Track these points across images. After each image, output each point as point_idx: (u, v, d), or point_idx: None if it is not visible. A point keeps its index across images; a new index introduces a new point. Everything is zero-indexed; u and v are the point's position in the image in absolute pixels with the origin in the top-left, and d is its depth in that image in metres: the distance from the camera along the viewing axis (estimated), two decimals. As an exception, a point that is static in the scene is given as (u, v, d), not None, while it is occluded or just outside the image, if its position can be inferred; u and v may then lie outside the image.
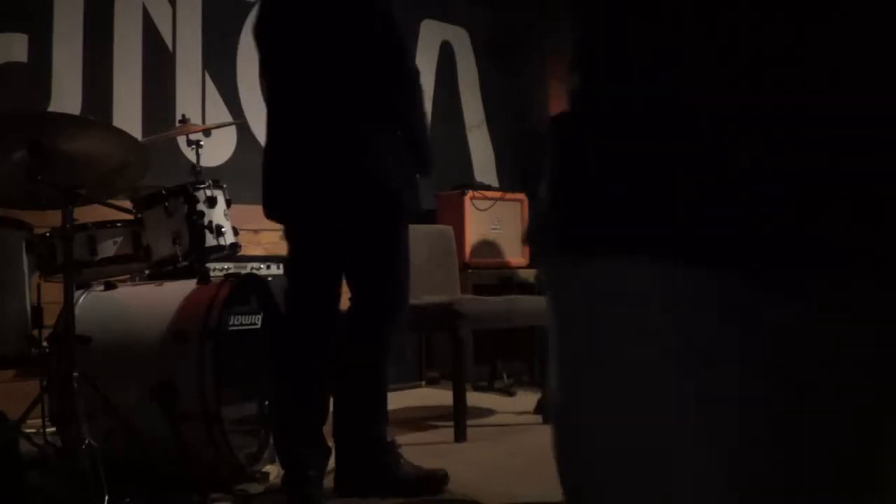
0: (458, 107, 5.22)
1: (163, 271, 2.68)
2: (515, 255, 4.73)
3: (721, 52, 0.41)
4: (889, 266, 0.39)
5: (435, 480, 2.26)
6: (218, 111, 4.10)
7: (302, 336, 2.23)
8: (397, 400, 3.22)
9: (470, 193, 4.52)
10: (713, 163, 0.40)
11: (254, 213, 3.96)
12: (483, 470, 2.46)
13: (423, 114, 2.38)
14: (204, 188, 2.69)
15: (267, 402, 2.54)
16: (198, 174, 2.91)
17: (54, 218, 2.18)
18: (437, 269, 3.69)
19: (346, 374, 2.27)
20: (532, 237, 0.51)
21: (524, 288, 4.32)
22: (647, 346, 0.42)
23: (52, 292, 2.34)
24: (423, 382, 4.26)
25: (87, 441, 1.94)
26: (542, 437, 2.28)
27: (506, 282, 4.46)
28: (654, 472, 0.42)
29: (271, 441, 2.49)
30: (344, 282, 2.30)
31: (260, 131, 4.25)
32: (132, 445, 2.15)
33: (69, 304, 2.10)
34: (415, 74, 2.30)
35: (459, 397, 2.92)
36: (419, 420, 3.24)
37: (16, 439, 2.11)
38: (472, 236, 4.48)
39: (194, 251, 2.61)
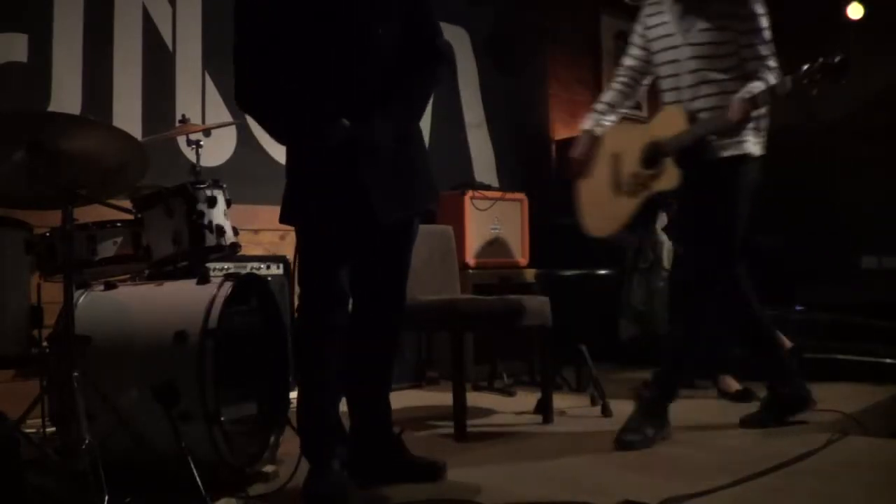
0: (458, 107, 5.21)
1: (163, 271, 2.67)
2: (516, 254, 4.73)
3: None
4: None
5: (436, 468, 2.38)
6: (218, 111, 4.10)
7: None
8: (397, 400, 3.21)
9: (470, 193, 4.52)
10: None
11: (254, 213, 3.98)
12: (483, 470, 2.45)
13: None
14: (204, 188, 2.69)
15: (268, 403, 2.54)
16: (198, 174, 2.91)
17: (54, 218, 2.18)
18: (437, 269, 3.69)
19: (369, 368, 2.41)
20: None
21: (524, 288, 4.32)
22: None
23: (52, 292, 2.34)
24: (423, 382, 4.26)
25: (87, 441, 1.94)
26: (542, 436, 2.30)
27: (506, 282, 4.46)
28: None
29: (271, 441, 2.50)
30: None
31: (260, 131, 4.26)
32: (132, 445, 2.15)
33: (69, 304, 2.10)
34: None
35: (459, 397, 2.92)
36: (419, 420, 3.24)
37: (16, 439, 2.11)
38: (472, 236, 4.48)
39: (194, 251, 2.60)
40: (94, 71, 3.71)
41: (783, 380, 2.99)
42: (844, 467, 2.36)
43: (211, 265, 3.37)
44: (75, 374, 2.03)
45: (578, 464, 2.53)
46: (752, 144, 2.82)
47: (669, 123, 2.84)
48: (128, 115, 3.77)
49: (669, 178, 2.84)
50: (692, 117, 2.78)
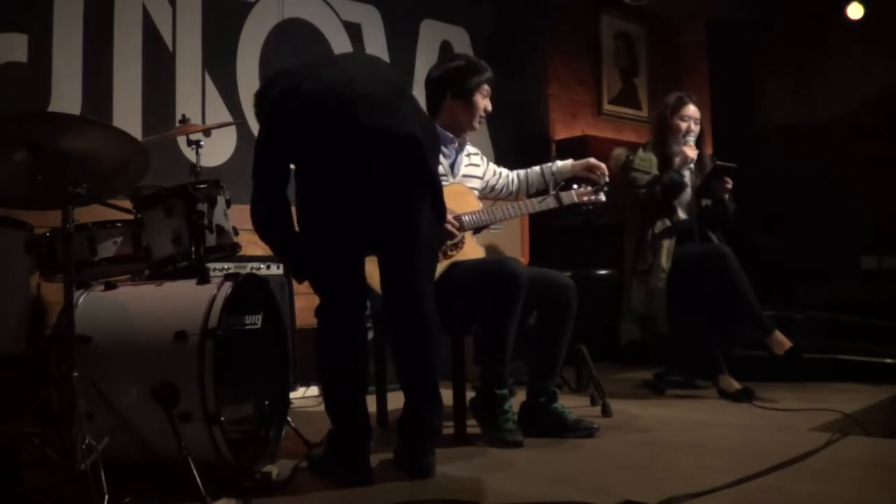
0: (458, 107, 5.20)
1: (163, 271, 2.67)
2: (516, 254, 4.72)
3: None
4: None
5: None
6: (218, 111, 4.10)
7: None
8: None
9: (470, 193, 4.51)
10: None
11: (254, 213, 3.97)
12: (483, 470, 2.46)
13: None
14: (204, 188, 2.69)
15: (268, 402, 2.54)
16: (198, 174, 2.91)
17: (54, 218, 2.18)
18: (437, 269, 3.69)
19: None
20: None
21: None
22: None
23: (52, 292, 2.35)
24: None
25: (87, 441, 1.94)
26: (543, 436, 2.27)
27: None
28: None
29: (271, 441, 2.50)
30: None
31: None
32: (132, 445, 2.15)
33: (69, 304, 2.10)
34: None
35: (459, 397, 2.92)
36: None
37: (16, 439, 2.11)
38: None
39: (194, 251, 2.60)
40: (94, 71, 3.72)
41: None
42: (844, 467, 2.36)
43: (211, 265, 3.37)
44: (75, 374, 2.03)
45: (578, 464, 2.53)
46: None
47: (462, 201, 3.05)
48: (128, 115, 3.77)
49: (471, 249, 3.06)
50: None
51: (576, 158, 3.39)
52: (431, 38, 5.07)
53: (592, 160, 3.30)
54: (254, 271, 3.71)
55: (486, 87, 3.10)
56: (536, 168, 3.36)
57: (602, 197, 3.28)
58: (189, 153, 3.27)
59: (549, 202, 3.23)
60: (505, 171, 3.38)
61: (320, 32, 4.56)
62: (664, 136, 3.85)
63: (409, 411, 2.46)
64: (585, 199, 3.27)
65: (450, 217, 2.87)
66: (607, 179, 3.28)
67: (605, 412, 3.28)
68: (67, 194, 2.09)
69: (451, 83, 3.06)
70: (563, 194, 3.26)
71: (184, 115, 3.14)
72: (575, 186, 3.29)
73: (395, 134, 2.33)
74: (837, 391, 3.60)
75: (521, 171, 3.38)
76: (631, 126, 6.34)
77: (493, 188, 3.34)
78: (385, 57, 4.67)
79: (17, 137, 2.04)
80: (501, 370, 2.86)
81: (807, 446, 2.54)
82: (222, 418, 2.18)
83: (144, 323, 2.32)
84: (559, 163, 3.34)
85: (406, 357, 2.47)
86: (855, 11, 5.76)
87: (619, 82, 6.37)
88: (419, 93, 3.08)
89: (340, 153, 2.32)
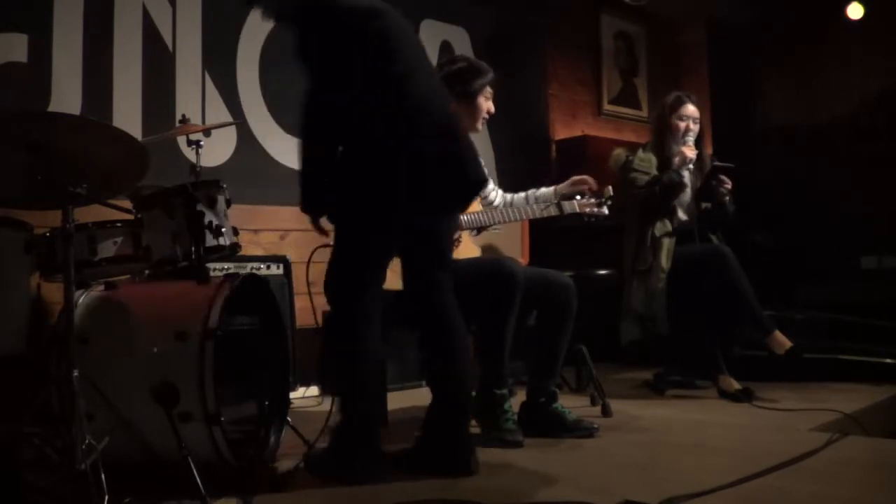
0: (458, 107, 5.20)
1: (163, 271, 2.67)
2: (516, 255, 4.72)
3: None
4: None
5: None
6: (218, 111, 4.10)
7: None
8: (397, 400, 3.22)
9: (470, 193, 4.51)
10: None
11: (254, 213, 3.98)
12: (483, 470, 2.45)
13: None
14: (204, 188, 2.68)
15: (268, 402, 2.54)
16: (198, 174, 2.91)
17: (54, 218, 2.17)
18: (437, 269, 3.69)
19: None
20: None
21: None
22: None
23: (52, 292, 2.34)
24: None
25: (87, 441, 1.94)
26: (543, 436, 2.27)
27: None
28: None
29: (271, 441, 2.50)
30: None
31: (259, 131, 4.26)
32: (132, 445, 2.15)
33: (69, 304, 2.10)
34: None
35: (459, 397, 2.92)
36: (420, 420, 3.23)
37: (16, 439, 2.11)
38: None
39: (194, 251, 2.60)
40: (94, 71, 3.71)
41: None
42: (844, 467, 2.36)
43: (211, 265, 3.37)
44: (75, 374, 2.03)
45: (578, 464, 2.53)
46: None
47: None
48: (128, 115, 3.77)
49: (467, 248, 3.10)
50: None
51: (575, 158, 3.39)
52: (431, 38, 5.07)
53: (575, 177, 3.31)
54: (254, 271, 3.71)
55: (488, 88, 3.11)
56: (521, 194, 3.38)
57: (605, 210, 3.28)
58: (189, 153, 3.27)
59: (551, 210, 3.24)
60: (499, 190, 3.41)
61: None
62: (663, 136, 3.85)
63: (443, 407, 2.47)
64: (587, 210, 3.27)
65: None
66: (611, 192, 3.27)
67: (605, 412, 3.28)
68: (67, 194, 2.09)
69: (453, 86, 3.07)
70: (565, 203, 3.26)
71: (184, 115, 3.14)
72: (578, 197, 3.29)
73: (476, 179, 2.52)
74: (837, 391, 3.60)
75: (509, 195, 3.40)
76: (631, 126, 6.34)
77: (490, 203, 3.35)
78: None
79: (17, 137, 2.04)
80: (501, 370, 2.86)
81: (807, 446, 2.54)
82: (222, 418, 2.18)
83: (144, 323, 2.32)
84: (543, 189, 3.36)
85: (435, 351, 2.49)
86: (855, 11, 5.76)
87: (619, 82, 6.37)
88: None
89: (412, 168, 2.35)
